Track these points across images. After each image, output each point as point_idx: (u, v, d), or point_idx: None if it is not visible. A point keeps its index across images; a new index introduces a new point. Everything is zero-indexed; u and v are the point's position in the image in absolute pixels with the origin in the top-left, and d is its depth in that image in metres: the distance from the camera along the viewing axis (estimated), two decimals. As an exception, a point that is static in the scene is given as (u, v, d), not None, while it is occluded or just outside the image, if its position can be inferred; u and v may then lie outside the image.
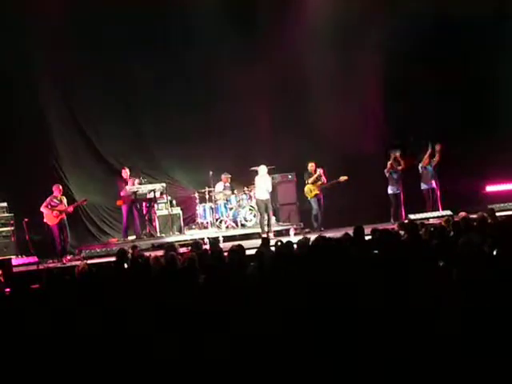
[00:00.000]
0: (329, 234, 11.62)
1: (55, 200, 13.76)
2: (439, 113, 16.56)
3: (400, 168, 15.28)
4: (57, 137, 15.46)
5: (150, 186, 14.86)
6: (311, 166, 15.42)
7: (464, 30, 16.51)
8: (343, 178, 15.35)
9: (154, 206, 15.07)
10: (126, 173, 14.85)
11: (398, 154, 15.31)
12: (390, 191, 15.38)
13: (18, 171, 14.67)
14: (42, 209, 13.69)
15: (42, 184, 14.34)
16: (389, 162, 15.33)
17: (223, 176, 15.74)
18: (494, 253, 6.20)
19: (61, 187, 14.02)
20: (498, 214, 10.41)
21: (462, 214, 9.23)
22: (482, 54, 16.80)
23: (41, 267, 12.12)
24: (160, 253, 9.42)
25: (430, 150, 15.14)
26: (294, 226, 15.40)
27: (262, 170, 14.66)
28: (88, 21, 15.01)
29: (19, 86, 14.92)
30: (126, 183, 14.70)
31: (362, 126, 17.21)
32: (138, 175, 15.15)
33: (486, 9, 16.08)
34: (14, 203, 14.31)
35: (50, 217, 13.69)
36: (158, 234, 14.95)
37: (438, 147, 15.06)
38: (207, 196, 15.55)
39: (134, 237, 14.70)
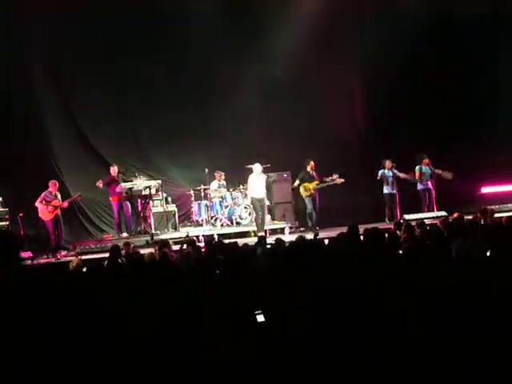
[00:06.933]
0: (323, 234, 11.71)
1: (50, 195, 13.76)
2: (436, 114, 16.55)
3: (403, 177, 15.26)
4: (53, 133, 15.51)
5: (145, 183, 14.83)
6: (310, 164, 15.37)
7: (462, 30, 16.53)
8: (340, 181, 15.28)
9: (149, 203, 15.03)
10: (114, 170, 14.78)
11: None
12: (385, 191, 15.36)
13: (13, 166, 14.70)
14: (37, 204, 13.69)
15: (37, 179, 14.39)
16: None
17: (216, 174, 15.71)
18: (488, 254, 6.19)
19: (57, 184, 14.01)
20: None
21: (455, 214, 9.22)
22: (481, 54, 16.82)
23: (35, 262, 12.09)
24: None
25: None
26: (289, 225, 15.40)
27: (257, 168, 14.58)
28: (86, 21, 15.05)
29: (16, 84, 14.92)
30: (115, 181, 14.64)
31: (358, 126, 17.27)
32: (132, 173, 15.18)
33: (485, 9, 16.08)
34: (9, 197, 14.31)
35: (44, 212, 13.70)
36: (153, 231, 14.92)
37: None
38: (202, 193, 15.54)
39: (126, 234, 14.68)
